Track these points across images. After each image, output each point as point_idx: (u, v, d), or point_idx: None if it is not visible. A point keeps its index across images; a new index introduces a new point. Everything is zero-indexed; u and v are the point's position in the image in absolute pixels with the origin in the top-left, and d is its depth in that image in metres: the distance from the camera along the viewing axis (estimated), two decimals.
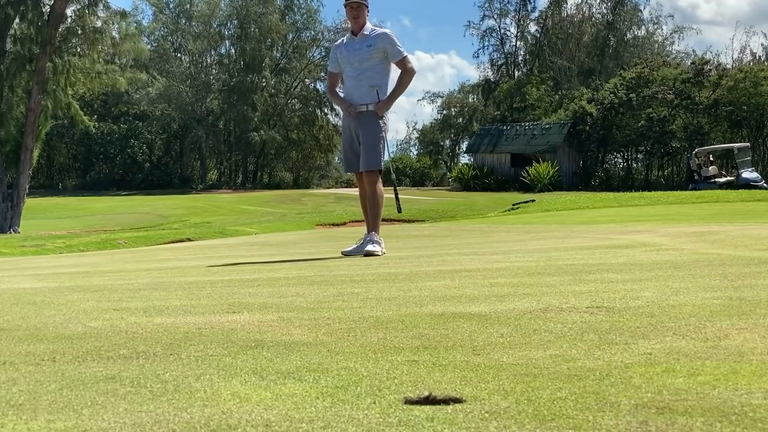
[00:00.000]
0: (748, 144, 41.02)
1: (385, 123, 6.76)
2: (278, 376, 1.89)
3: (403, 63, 6.76)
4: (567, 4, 68.13)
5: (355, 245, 6.65)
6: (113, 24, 31.35)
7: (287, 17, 66.02)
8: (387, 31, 6.91)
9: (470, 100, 72.52)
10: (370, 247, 6.44)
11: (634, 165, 54.99)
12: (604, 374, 1.78)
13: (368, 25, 6.84)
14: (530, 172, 45.79)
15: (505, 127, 53.79)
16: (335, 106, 67.94)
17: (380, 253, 6.44)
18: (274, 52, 66.65)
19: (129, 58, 36.44)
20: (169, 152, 66.25)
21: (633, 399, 1.55)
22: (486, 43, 69.65)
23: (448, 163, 71.64)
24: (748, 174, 35.37)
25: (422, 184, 64.20)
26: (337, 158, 73.86)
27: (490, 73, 70.53)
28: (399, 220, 24.12)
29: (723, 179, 35.74)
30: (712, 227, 8.39)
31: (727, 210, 15.93)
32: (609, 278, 3.82)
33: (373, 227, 6.71)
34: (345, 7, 6.82)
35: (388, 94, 6.79)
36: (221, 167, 68.73)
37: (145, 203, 40.66)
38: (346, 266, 5.37)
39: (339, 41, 7.09)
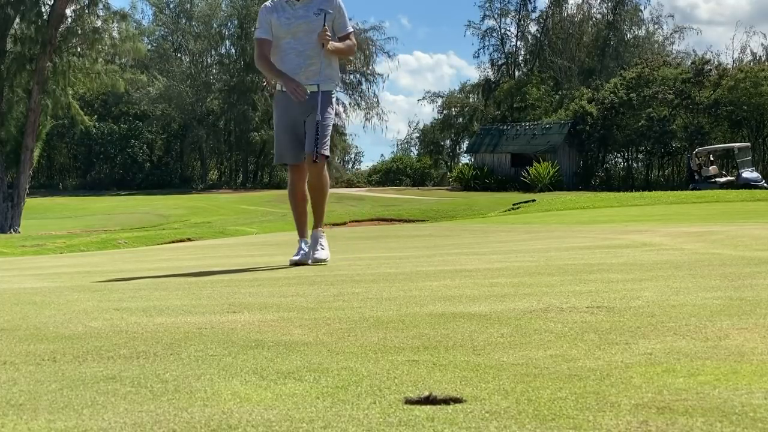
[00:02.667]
0: (749, 144, 41.03)
1: (333, 107, 5.76)
2: (278, 376, 1.89)
3: (347, 39, 5.74)
4: (567, 3, 68.19)
5: (302, 251, 5.70)
6: (113, 23, 31.41)
7: None
8: None
9: (470, 100, 72.52)
10: (320, 254, 5.64)
11: (635, 165, 55.03)
12: (604, 374, 1.78)
13: None
14: (530, 172, 45.80)
15: (505, 127, 53.80)
16: (336, 105, 68.11)
17: (328, 259, 5.68)
18: None
19: (129, 58, 36.48)
20: (170, 152, 66.24)
21: (633, 399, 1.55)
22: (486, 43, 69.69)
23: (449, 163, 71.62)
24: (748, 174, 35.38)
25: (422, 184, 64.19)
26: (337, 158, 73.81)
27: (490, 73, 70.57)
28: (399, 220, 24.13)
29: (723, 179, 35.75)
30: (712, 227, 8.39)
31: (727, 210, 15.93)
32: (609, 278, 3.82)
33: (318, 222, 5.87)
34: None
35: (338, 72, 5.81)
36: (221, 167, 68.72)
37: (146, 203, 40.67)
38: (347, 266, 5.37)
39: (270, 2, 5.71)
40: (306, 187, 5.76)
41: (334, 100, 5.78)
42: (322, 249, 5.68)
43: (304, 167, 5.68)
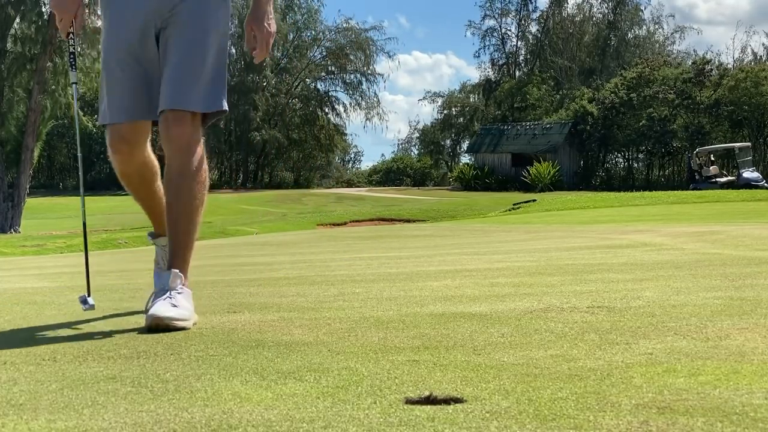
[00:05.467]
0: (749, 144, 41.05)
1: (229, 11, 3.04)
2: (279, 376, 1.89)
3: None
4: (568, 3, 68.29)
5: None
6: None
7: (288, 17, 66.04)
8: None
9: (471, 99, 72.54)
10: (161, 309, 2.68)
11: (635, 165, 55.09)
12: (605, 374, 1.78)
13: None
14: (531, 171, 45.83)
15: (506, 127, 53.85)
16: (336, 105, 68.40)
17: (187, 323, 2.70)
18: (275, 51, 66.66)
19: None
20: None
21: (634, 399, 1.55)
22: (487, 43, 69.82)
23: (449, 163, 71.67)
24: (749, 174, 35.41)
25: (423, 183, 64.26)
26: (337, 158, 73.78)
27: (490, 72, 70.65)
28: (400, 220, 24.14)
29: (724, 179, 35.78)
30: (713, 227, 8.39)
31: (728, 210, 15.93)
32: (610, 278, 3.82)
33: (178, 255, 2.90)
34: None
35: None
36: (222, 167, 68.75)
37: None
38: (347, 266, 5.37)
39: None
40: (144, 164, 3.10)
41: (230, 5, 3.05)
42: (169, 300, 2.73)
43: (145, 130, 3.04)
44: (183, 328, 2.66)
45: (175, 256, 2.88)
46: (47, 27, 28.57)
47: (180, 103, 2.88)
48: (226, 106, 3.00)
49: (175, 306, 2.70)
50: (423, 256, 6.32)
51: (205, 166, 3.03)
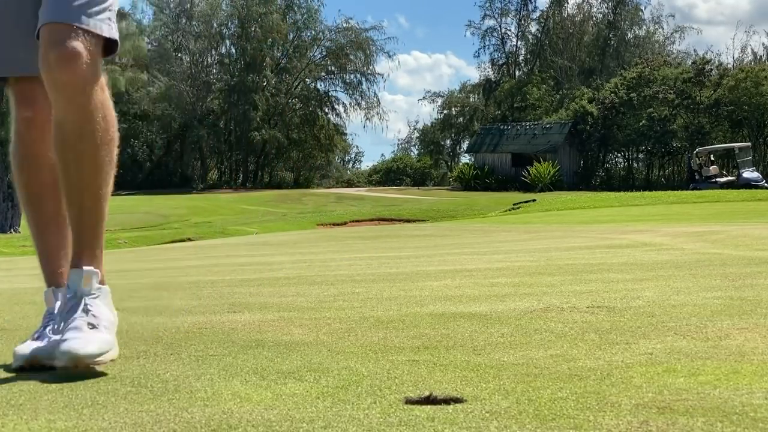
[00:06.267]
0: (749, 144, 41.08)
1: None
2: (279, 376, 1.89)
3: None
4: (568, 3, 68.27)
5: (46, 334, 2.08)
6: None
7: (288, 17, 66.03)
8: None
9: (471, 99, 72.54)
10: (73, 343, 1.91)
11: (635, 165, 55.11)
12: (604, 374, 1.78)
13: None
14: (531, 171, 45.84)
15: (505, 127, 53.87)
16: (336, 105, 68.43)
17: (112, 354, 1.99)
18: (275, 51, 66.66)
19: (129, 58, 36.48)
20: (170, 152, 66.27)
21: (634, 399, 1.55)
22: (487, 43, 69.84)
23: (449, 163, 71.68)
24: (749, 174, 35.43)
25: (423, 183, 64.25)
26: (337, 158, 73.81)
27: (490, 72, 70.65)
28: (400, 220, 24.15)
29: (724, 179, 35.79)
30: (712, 227, 8.40)
31: (727, 210, 15.94)
32: (610, 278, 3.83)
33: (86, 243, 2.08)
34: None
35: None
36: (222, 167, 68.75)
37: (146, 203, 40.66)
38: (347, 266, 5.38)
39: None
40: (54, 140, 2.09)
41: None
42: (92, 324, 2.01)
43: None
44: (102, 359, 1.95)
45: (81, 245, 2.07)
46: None
47: (67, 16, 1.99)
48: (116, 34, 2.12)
49: (95, 327, 1.99)
50: (423, 256, 6.33)
51: (112, 115, 2.10)
